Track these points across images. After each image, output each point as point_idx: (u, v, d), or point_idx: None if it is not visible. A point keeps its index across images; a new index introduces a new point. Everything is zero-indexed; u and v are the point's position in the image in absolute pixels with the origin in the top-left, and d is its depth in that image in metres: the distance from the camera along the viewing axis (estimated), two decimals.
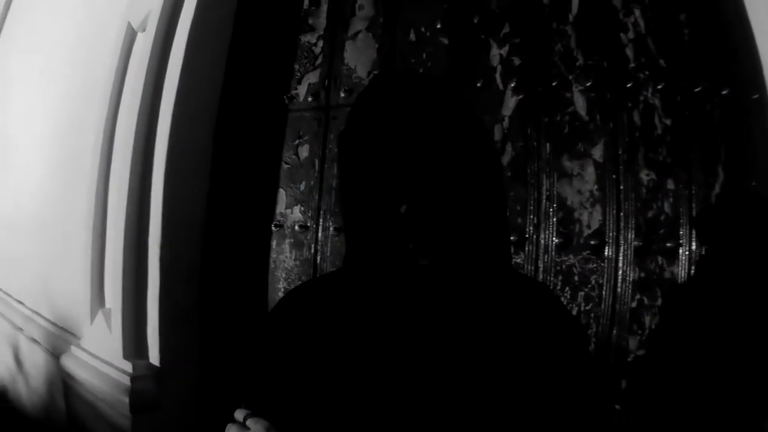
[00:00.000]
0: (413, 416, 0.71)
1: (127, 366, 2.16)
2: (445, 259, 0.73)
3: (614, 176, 1.67)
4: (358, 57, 2.28)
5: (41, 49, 2.97)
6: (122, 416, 2.03)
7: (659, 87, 1.53)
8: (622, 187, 1.66)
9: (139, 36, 2.13)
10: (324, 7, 2.32)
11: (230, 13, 2.26)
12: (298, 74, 2.42)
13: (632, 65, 1.59)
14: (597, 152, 1.72)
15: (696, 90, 1.47)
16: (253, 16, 2.35)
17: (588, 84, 1.72)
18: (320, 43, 2.36)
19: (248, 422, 0.77)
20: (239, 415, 0.78)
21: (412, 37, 2.15)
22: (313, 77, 2.38)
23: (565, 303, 1.78)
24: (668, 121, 1.54)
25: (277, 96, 2.44)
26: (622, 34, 1.59)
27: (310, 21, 2.36)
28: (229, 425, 0.79)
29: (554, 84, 1.80)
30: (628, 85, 1.60)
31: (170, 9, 2.08)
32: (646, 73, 1.55)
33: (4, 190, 2.95)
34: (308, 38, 2.38)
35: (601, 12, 1.64)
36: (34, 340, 2.51)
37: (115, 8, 2.24)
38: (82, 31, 2.58)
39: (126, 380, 2.11)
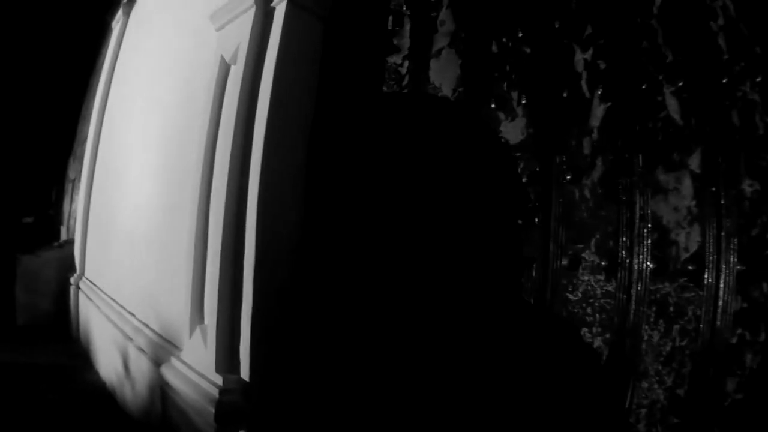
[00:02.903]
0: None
1: (218, 379, 2.36)
2: (446, 294, 0.71)
3: (713, 189, 1.49)
4: (443, 74, 2.32)
5: (149, 84, 3.46)
6: (208, 425, 2.22)
7: (758, 80, 1.35)
8: (723, 202, 1.47)
9: (232, 68, 2.39)
10: (407, 27, 2.41)
11: (318, 39, 2.44)
12: None
13: (726, 56, 1.43)
14: (694, 162, 1.56)
15: None
16: (340, 40, 2.51)
17: (680, 84, 1.57)
18: (406, 63, 2.45)
19: None
20: None
21: (495, 48, 2.14)
22: None
23: (657, 336, 1.61)
24: None
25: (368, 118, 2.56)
26: (711, 22, 1.44)
27: (395, 41, 2.46)
28: None
29: (644, 87, 1.68)
30: (724, 81, 1.44)
31: (258, 39, 2.31)
32: (742, 64, 1.39)
33: (127, 209, 3.45)
34: (394, 59, 2.48)
35: None
36: (141, 350, 2.86)
37: (211, 42, 2.54)
38: (185, 65, 2.97)
39: (215, 392, 2.30)
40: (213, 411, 2.22)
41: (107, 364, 3.36)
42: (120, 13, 4.24)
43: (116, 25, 4.31)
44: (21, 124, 5.36)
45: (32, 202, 5.67)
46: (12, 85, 5.29)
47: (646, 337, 1.65)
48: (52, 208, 5.65)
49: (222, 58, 2.43)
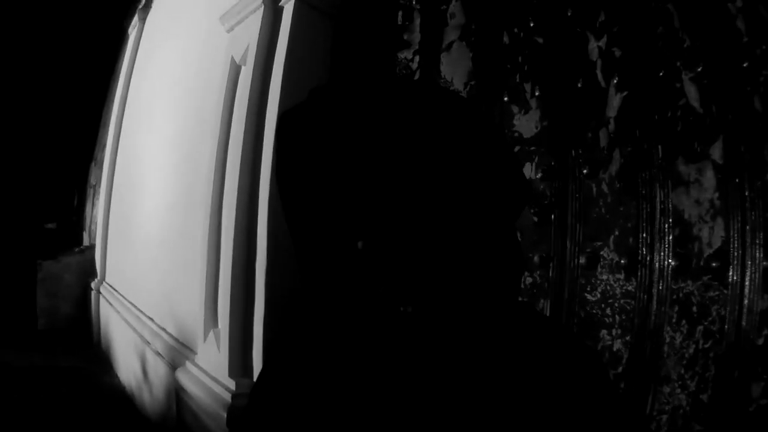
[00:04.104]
0: None
1: (231, 383, 2.36)
2: (431, 302, 0.62)
3: (737, 180, 1.42)
4: (454, 69, 2.28)
5: (163, 88, 3.50)
6: (221, 429, 2.23)
7: None
8: (747, 193, 1.39)
9: (242, 69, 2.39)
10: (417, 21, 2.37)
11: (327, 36, 2.42)
12: None
13: (746, 39, 1.35)
14: (716, 152, 1.48)
15: None
16: (350, 37, 2.49)
17: (699, 69, 1.50)
18: (416, 59, 2.41)
19: None
20: None
21: (506, 40, 2.09)
22: None
23: (680, 338, 1.54)
24: None
25: None
26: (729, 4, 1.37)
27: (405, 36, 2.43)
28: None
29: (661, 74, 1.61)
30: (744, 65, 1.36)
31: (267, 39, 2.31)
32: (763, 47, 1.31)
33: (144, 213, 3.50)
34: (405, 54, 2.45)
35: None
36: (158, 354, 2.90)
37: (222, 44, 2.55)
38: (197, 68, 2.99)
39: (227, 396, 2.31)
40: (225, 416, 2.22)
41: (126, 368, 3.42)
42: (136, 19, 4.31)
43: (132, 31, 4.38)
44: (44, 131, 5.51)
45: (55, 208, 5.80)
46: (34, 93, 5.44)
47: (668, 339, 1.57)
48: (75, 214, 5.75)
49: (232, 59, 2.43)
